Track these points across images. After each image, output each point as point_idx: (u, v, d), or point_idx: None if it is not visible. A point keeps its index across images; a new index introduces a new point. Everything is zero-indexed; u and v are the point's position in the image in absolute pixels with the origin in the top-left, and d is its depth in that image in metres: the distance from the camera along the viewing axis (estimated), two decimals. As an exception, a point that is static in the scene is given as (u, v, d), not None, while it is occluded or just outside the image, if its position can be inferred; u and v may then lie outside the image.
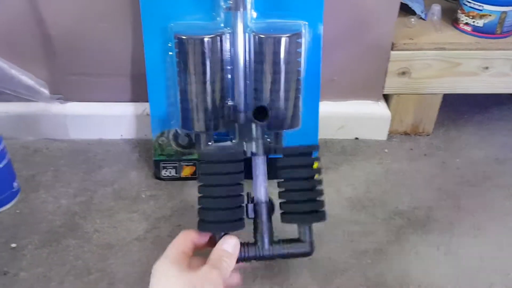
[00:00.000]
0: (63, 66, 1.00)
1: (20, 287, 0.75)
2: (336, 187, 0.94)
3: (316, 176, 0.58)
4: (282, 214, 0.55)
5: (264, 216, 0.53)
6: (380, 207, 0.90)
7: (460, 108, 1.18)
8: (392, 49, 0.97)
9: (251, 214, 0.54)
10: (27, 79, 1.01)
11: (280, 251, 0.53)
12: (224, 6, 0.84)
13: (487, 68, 1.00)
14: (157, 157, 0.96)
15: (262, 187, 0.56)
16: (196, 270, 0.48)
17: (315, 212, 0.55)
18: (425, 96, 1.04)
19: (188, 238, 0.52)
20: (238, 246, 0.52)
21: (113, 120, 1.05)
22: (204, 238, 0.56)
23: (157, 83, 0.91)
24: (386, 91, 1.03)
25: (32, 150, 1.04)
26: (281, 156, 0.59)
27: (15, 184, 0.91)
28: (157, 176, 0.97)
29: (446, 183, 0.96)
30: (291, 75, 0.85)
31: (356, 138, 1.07)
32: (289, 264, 0.79)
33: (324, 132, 1.03)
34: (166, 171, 0.97)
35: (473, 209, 0.90)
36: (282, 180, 0.56)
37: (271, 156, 0.60)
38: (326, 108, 1.01)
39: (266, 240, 0.53)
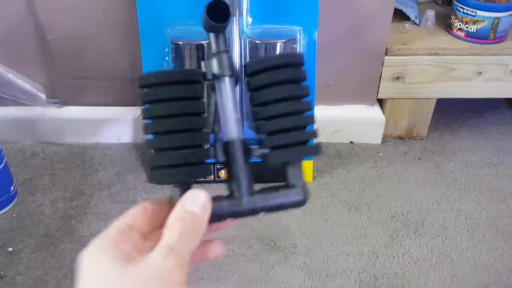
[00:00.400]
0: (60, 71, 1.01)
1: (16, 291, 0.76)
2: (331, 191, 0.95)
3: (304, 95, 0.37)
4: (263, 153, 0.36)
5: (239, 158, 0.35)
6: (374, 210, 0.91)
7: (454, 113, 1.19)
8: (386, 54, 0.98)
9: (221, 157, 0.36)
10: (24, 83, 1.02)
11: (264, 203, 0.35)
12: (220, 12, 0.85)
13: (480, 73, 1.01)
14: (153, 161, 0.96)
15: (233, 120, 0.36)
16: (140, 260, 0.29)
17: (306, 144, 0.36)
18: (419, 101, 1.05)
19: (138, 211, 0.34)
20: (209, 202, 0.33)
21: (109, 124, 1.05)
22: (163, 206, 0.35)
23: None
24: (380, 96, 1.04)
25: (29, 154, 1.04)
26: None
27: (12, 188, 0.91)
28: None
29: (440, 187, 0.97)
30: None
31: (351, 142, 1.08)
32: (284, 267, 0.79)
33: (319, 136, 1.04)
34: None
35: (467, 212, 0.91)
36: (259, 104, 0.36)
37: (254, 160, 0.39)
38: (321, 112, 1.02)
39: (244, 189, 0.35)
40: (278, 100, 0.35)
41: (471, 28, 1.00)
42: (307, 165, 0.96)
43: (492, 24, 0.98)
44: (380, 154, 1.05)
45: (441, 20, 1.08)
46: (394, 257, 0.82)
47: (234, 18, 0.84)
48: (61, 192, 0.94)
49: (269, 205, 0.36)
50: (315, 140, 0.37)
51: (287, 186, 0.36)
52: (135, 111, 1.05)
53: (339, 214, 0.90)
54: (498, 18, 0.97)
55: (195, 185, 0.35)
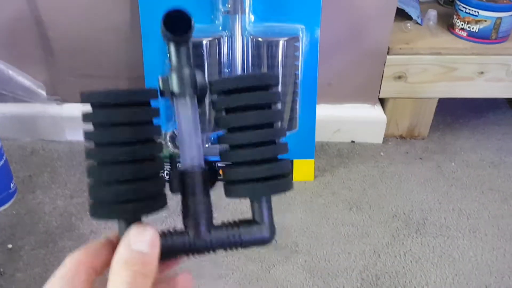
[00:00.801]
0: (61, 68, 1.00)
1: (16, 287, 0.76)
2: (332, 190, 0.95)
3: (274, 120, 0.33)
4: (225, 184, 0.32)
5: (197, 188, 0.31)
6: (376, 210, 0.91)
7: (455, 112, 1.19)
8: (388, 54, 0.98)
9: (177, 188, 0.32)
10: (24, 80, 1.01)
11: (223, 239, 0.31)
12: (223, 10, 0.85)
13: (482, 73, 1.01)
14: (154, 159, 0.96)
15: (193, 144, 0.32)
16: None
17: (276, 179, 0.31)
18: (421, 100, 1.05)
19: (73, 267, 0.28)
20: (157, 239, 0.29)
21: (110, 122, 1.05)
22: (101, 253, 0.30)
23: (155, 85, 0.92)
24: (382, 95, 1.04)
25: (29, 151, 1.04)
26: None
27: (12, 185, 0.90)
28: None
29: (441, 187, 0.96)
30: (288, 78, 0.86)
31: (352, 141, 1.08)
32: (285, 266, 0.79)
33: (321, 135, 1.04)
34: (162, 172, 0.98)
35: (468, 212, 0.90)
36: (225, 129, 0.32)
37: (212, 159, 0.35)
38: (323, 111, 1.02)
39: (202, 224, 0.31)
40: (245, 128, 0.31)
41: (473, 28, 1.00)
42: (308, 164, 0.96)
43: (494, 24, 0.98)
44: (382, 154, 1.05)
45: (443, 19, 1.08)
46: (395, 256, 0.82)
47: (237, 16, 0.83)
48: (61, 190, 0.93)
49: (229, 242, 0.32)
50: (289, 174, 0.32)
51: (252, 222, 0.32)
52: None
53: (340, 213, 0.90)
54: (501, 18, 0.97)
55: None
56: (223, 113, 0.32)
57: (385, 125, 1.05)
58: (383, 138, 1.07)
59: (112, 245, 0.29)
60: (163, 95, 0.32)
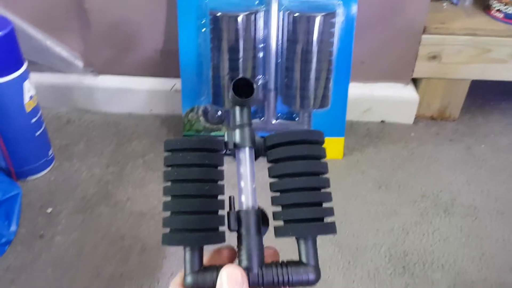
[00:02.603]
0: (97, 40, 1.02)
1: (56, 250, 0.79)
2: (361, 169, 0.96)
3: (323, 173, 0.37)
4: (276, 226, 0.36)
5: (252, 228, 0.35)
6: (405, 189, 0.91)
7: (487, 95, 1.18)
8: (423, 33, 0.98)
9: (234, 226, 0.36)
10: (61, 51, 1.03)
11: (273, 277, 0.35)
12: (260, -16, 0.85)
13: (517, 55, 1.00)
14: (185, 132, 0.98)
15: (249, 189, 0.37)
16: None
17: (321, 221, 0.36)
18: (453, 81, 1.04)
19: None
20: (246, 279, 0.34)
21: (143, 94, 1.07)
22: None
23: (189, 59, 0.93)
24: (415, 75, 1.03)
25: (65, 121, 1.06)
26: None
27: (50, 152, 0.94)
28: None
29: (470, 168, 0.97)
30: (323, 55, 0.86)
31: (382, 121, 1.08)
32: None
33: (350, 114, 1.04)
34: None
35: (497, 194, 0.91)
36: (277, 177, 0.37)
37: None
38: (354, 90, 1.02)
39: (254, 261, 0.35)
40: (296, 175, 0.36)
41: (510, 10, 0.98)
42: (338, 142, 0.97)
43: (533, 5, 0.96)
44: (412, 134, 1.05)
45: (479, 1, 1.06)
46: (424, 234, 0.83)
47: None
48: (97, 159, 0.96)
49: (278, 280, 0.35)
50: (331, 219, 0.36)
51: (300, 263, 0.36)
52: (168, 83, 1.06)
53: (369, 192, 0.91)
54: (540, -1, 0.95)
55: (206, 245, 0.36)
56: (274, 164, 0.37)
57: (417, 105, 1.05)
58: (414, 119, 1.07)
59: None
60: (227, 146, 0.38)
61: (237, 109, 0.38)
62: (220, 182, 0.37)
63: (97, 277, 0.75)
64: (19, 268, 0.76)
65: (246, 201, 0.36)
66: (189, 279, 0.34)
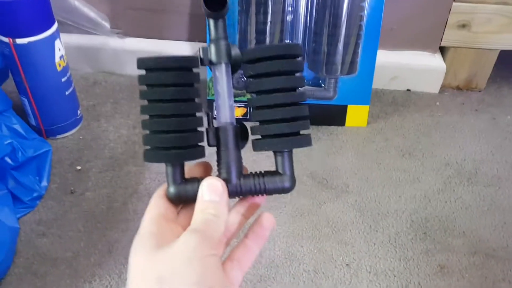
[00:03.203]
0: (124, 1, 1.02)
1: (86, 205, 0.82)
2: (385, 136, 0.96)
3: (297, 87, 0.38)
4: (254, 140, 0.38)
5: (229, 143, 0.37)
6: (428, 158, 0.92)
7: (515, 67, 1.16)
8: (454, 0, 0.96)
9: (212, 141, 0.38)
10: (89, 11, 1.04)
11: (250, 186, 0.37)
12: None
13: (549, 26, 0.98)
14: (210, 97, 0.99)
15: (226, 105, 0.38)
16: (170, 244, 0.33)
17: (298, 135, 0.37)
18: (482, 51, 1.03)
19: (162, 199, 0.37)
20: (225, 189, 0.36)
21: (168, 57, 1.07)
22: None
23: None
24: (443, 44, 1.02)
25: (92, 82, 1.08)
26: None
27: (78, 112, 0.95)
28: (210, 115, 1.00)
29: (495, 139, 0.96)
30: (353, 19, 0.85)
31: (408, 90, 1.07)
32: (336, 204, 0.82)
33: (376, 82, 1.04)
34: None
35: (521, 165, 0.91)
36: (254, 91, 0.37)
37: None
38: (381, 57, 1.01)
39: (233, 173, 0.37)
40: (272, 91, 0.36)
41: (545, -22, 0.96)
42: (363, 110, 0.97)
43: None
44: (437, 104, 1.05)
45: (513, -32, 1.03)
46: (446, 202, 0.84)
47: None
48: (124, 120, 0.98)
49: (255, 189, 0.38)
50: (307, 131, 0.37)
51: (275, 173, 0.38)
52: (193, 46, 1.06)
53: (392, 159, 0.92)
54: None
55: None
56: (252, 79, 0.37)
57: (443, 75, 1.04)
58: (440, 88, 1.07)
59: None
60: (202, 63, 0.38)
61: (211, 22, 0.37)
62: (197, 100, 0.37)
63: (126, 231, 0.77)
64: (50, 221, 0.79)
65: (224, 117, 0.38)
66: (172, 189, 0.36)
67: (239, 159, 0.38)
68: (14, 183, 0.80)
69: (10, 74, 0.88)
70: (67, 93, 0.91)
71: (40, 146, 0.85)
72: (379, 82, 1.05)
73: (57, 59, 0.86)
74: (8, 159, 0.79)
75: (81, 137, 0.94)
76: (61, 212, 0.81)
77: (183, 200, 0.37)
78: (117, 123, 0.97)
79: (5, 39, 0.80)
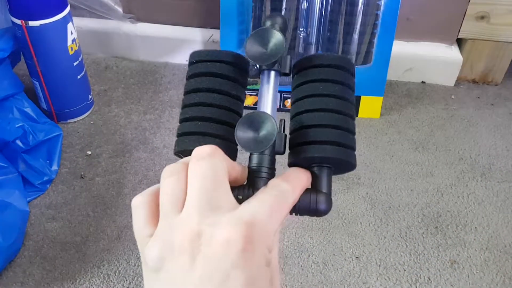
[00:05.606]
0: (137, -15, 1.01)
1: (96, 190, 0.82)
2: (398, 129, 0.95)
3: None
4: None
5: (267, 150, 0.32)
6: (442, 151, 0.90)
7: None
8: (474, -9, 0.94)
9: (281, 147, 0.32)
10: (102, -5, 1.03)
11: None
12: None
13: None
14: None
15: (269, 111, 0.33)
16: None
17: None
18: (500, 44, 1.00)
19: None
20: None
21: (180, 44, 1.06)
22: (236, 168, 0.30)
23: (230, 9, 0.92)
24: (461, 35, 1.00)
25: (103, 66, 1.07)
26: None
27: (90, 97, 0.95)
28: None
29: (511, 134, 0.94)
30: (370, 8, 0.83)
31: (423, 82, 1.05)
32: (347, 195, 0.81)
33: (391, 73, 1.02)
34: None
35: (537, 162, 0.89)
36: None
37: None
38: (396, 48, 0.99)
39: (262, 180, 0.31)
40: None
41: None
42: (376, 101, 0.95)
43: None
44: (452, 97, 1.03)
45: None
46: (458, 197, 0.82)
47: None
48: (135, 105, 0.98)
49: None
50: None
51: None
52: (205, 33, 1.05)
53: (405, 151, 0.90)
54: None
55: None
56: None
57: (460, 67, 1.02)
58: (455, 81, 1.05)
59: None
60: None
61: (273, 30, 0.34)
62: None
63: (135, 218, 0.77)
64: (60, 205, 0.80)
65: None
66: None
67: (272, 166, 0.32)
68: (25, 166, 0.80)
69: (22, 57, 0.88)
70: (78, 77, 0.90)
71: (51, 130, 0.84)
72: (393, 73, 1.03)
73: (69, 43, 0.85)
74: (19, 142, 0.79)
75: (92, 122, 0.94)
76: (71, 196, 0.81)
77: None
78: (127, 109, 0.97)
79: (18, 21, 0.80)
